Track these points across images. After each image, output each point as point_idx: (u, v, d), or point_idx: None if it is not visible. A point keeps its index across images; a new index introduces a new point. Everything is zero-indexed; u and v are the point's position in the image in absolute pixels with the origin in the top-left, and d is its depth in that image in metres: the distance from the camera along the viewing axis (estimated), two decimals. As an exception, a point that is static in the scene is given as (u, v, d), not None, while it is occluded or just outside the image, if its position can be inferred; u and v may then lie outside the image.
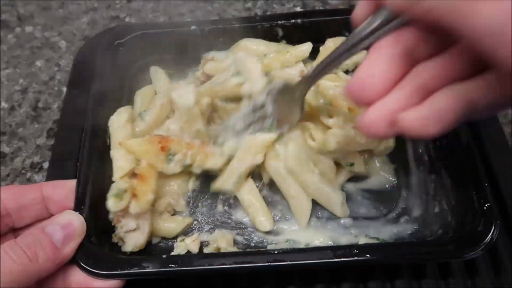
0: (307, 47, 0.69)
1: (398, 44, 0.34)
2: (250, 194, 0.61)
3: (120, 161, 0.60)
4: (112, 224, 0.57)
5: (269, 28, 0.72)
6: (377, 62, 0.34)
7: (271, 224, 0.59)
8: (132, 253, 0.57)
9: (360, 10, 0.37)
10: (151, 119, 0.65)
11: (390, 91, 0.34)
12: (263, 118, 0.58)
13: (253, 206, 0.60)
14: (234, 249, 0.58)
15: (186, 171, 0.62)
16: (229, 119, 0.61)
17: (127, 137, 0.61)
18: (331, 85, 0.65)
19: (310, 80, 0.51)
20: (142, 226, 0.57)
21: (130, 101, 0.70)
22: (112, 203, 0.54)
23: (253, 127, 0.59)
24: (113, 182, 0.58)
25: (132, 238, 0.56)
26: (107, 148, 0.62)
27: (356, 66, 0.73)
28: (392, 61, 0.34)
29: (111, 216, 0.57)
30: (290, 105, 0.56)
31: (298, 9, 0.89)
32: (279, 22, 0.71)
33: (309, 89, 0.54)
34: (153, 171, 0.58)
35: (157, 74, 0.73)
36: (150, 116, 0.65)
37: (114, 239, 0.57)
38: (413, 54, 0.35)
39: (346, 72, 0.73)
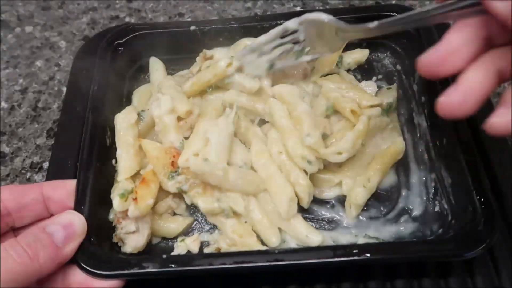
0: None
1: (484, 28, 0.35)
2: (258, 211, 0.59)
3: (127, 162, 0.60)
4: (113, 224, 0.57)
5: (269, 28, 0.71)
6: (460, 41, 0.36)
7: (279, 239, 0.58)
8: (132, 253, 0.57)
9: None
10: (150, 119, 0.65)
11: (465, 69, 0.36)
12: (294, 43, 0.58)
13: (261, 223, 0.58)
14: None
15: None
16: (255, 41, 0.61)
17: (135, 137, 0.61)
18: (334, 87, 0.65)
19: (365, 30, 0.50)
20: (142, 229, 0.57)
21: (130, 101, 0.70)
22: (117, 203, 0.55)
23: (281, 50, 0.59)
24: (115, 182, 0.58)
25: (132, 240, 0.56)
26: (107, 148, 0.62)
27: (357, 65, 0.74)
28: (475, 42, 0.36)
29: (111, 216, 0.57)
30: (327, 40, 0.56)
31: (298, 9, 0.89)
32: (279, 22, 0.71)
33: (357, 37, 0.54)
34: (156, 177, 0.58)
35: (155, 65, 0.73)
36: (149, 116, 0.65)
37: (115, 239, 0.57)
38: (493, 40, 0.36)
39: (348, 70, 0.73)
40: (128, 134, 0.61)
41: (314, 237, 0.56)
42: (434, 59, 0.36)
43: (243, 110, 0.64)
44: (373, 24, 0.46)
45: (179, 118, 0.62)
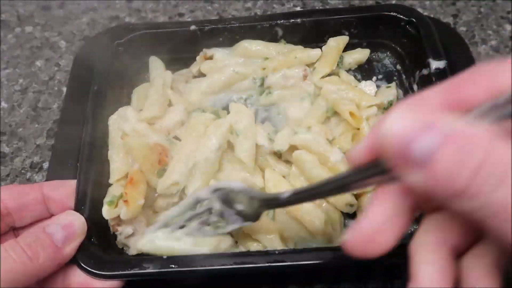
0: (315, 52, 0.69)
1: (408, 196, 0.30)
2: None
3: (118, 163, 0.59)
4: (112, 232, 0.57)
5: (269, 28, 0.72)
6: (383, 217, 0.30)
7: None
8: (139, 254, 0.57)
9: (357, 153, 0.32)
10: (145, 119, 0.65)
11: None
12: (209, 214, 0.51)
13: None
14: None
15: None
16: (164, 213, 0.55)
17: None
18: (334, 89, 0.65)
19: (279, 203, 0.43)
20: (140, 230, 0.57)
21: (130, 101, 0.70)
22: (106, 211, 0.54)
23: (197, 221, 0.52)
24: (110, 184, 0.58)
25: (134, 243, 0.56)
26: (107, 148, 0.62)
27: (358, 65, 0.73)
28: (401, 215, 0.31)
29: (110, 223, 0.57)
30: (245, 209, 0.48)
31: (298, 9, 0.88)
32: (278, 21, 0.71)
33: (274, 209, 0.49)
34: (143, 176, 0.57)
35: (155, 64, 0.73)
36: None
37: (119, 245, 0.57)
38: (421, 206, 0.32)
39: (348, 70, 0.73)
40: (119, 135, 0.61)
41: None
42: (359, 241, 0.31)
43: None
44: (284, 194, 0.40)
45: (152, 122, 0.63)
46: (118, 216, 0.55)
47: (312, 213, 0.55)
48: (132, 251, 0.56)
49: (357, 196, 0.58)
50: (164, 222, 0.54)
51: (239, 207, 0.47)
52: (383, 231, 0.30)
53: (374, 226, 0.30)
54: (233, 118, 0.62)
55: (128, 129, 0.60)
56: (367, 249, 0.31)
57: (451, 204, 0.25)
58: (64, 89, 0.78)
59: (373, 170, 0.30)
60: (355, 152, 0.32)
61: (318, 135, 0.60)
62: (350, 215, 0.59)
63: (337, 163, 0.58)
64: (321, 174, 0.57)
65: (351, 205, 0.57)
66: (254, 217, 0.47)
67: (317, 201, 0.58)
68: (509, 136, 0.25)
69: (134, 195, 0.55)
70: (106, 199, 0.55)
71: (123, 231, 0.56)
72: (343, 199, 0.57)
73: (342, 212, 0.59)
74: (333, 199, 0.57)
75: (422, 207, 0.32)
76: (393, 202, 0.30)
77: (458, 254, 0.32)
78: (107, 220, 0.57)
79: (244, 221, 0.49)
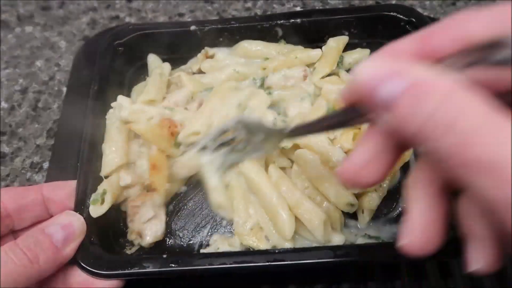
0: (316, 53, 0.69)
1: (390, 135, 0.31)
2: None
3: (110, 156, 0.59)
4: (129, 220, 0.57)
5: (269, 28, 0.72)
6: (370, 154, 0.32)
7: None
8: (132, 253, 0.57)
9: (343, 96, 0.34)
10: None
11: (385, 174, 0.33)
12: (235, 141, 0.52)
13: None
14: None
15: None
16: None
17: (119, 131, 0.62)
18: (335, 88, 0.65)
19: (284, 135, 0.46)
20: (159, 214, 0.58)
21: (130, 101, 0.71)
22: (92, 209, 0.54)
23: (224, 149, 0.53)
24: (103, 178, 0.59)
25: (152, 229, 0.56)
26: (107, 148, 0.62)
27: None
28: (386, 152, 0.32)
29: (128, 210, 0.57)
30: (263, 141, 0.50)
31: (298, 8, 0.89)
32: (278, 21, 0.71)
33: (279, 142, 0.49)
34: (163, 158, 0.59)
35: (155, 62, 0.73)
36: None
37: (132, 236, 0.57)
38: (406, 145, 0.33)
39: (348, 70, 0.73)
40: (113, 129, 0.61)
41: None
42: (349, 173, 0.33)
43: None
44: (287, 129, 0.44)
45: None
46: (137, 201, 0.56)
47: (312, 212, 0.55)
48: (148, 240, 0.56)
49: (357, 196, 0.58)
50: (202, 145, 0.54)
51: (259, 137, 0.50)
52: (371, 163, 0.32)
53: (363, 158, 0.32)
54: (251, 93, 0.64)
55: (125, 114, 0.61)
56: (357, 178, 0.33)
57: (414, 145, 0.27)
58: (64, 89, 0.78)
59: (354, 113, 0.33)
60: (342, 95, 0.34)
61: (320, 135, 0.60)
62: (350, 215, 0.59)
63: (338, 163, 0.58)
64: (322, 173, 0.57)
65: (352, 205, 0.57)
66: (271, 148, 0.50)
67: (318, 200, 0.58)
68: (476, 85, 0.25)
69: (159, 180, 0.57)
70: (91, 198, 0.55)
71: (143, 214, 0.56)
72: (344, 199, 0.57)
73: (342, 212, 0.59)
74: (334, 199, 0.57)
75: (408, 146, 0.34)
76: (379, 140, 0.32)
77: (455, 191, 0.33)
78: (107, 220, 0.57)
79: (265, 150, 0.51)
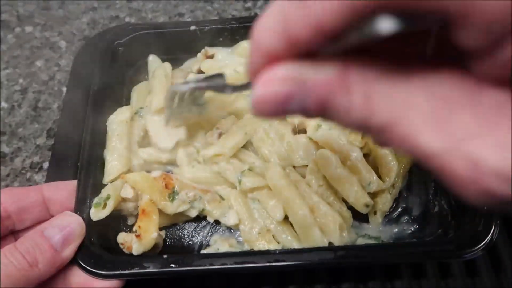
0: None
1: None
2: None
3: (112, 163, 0.59)
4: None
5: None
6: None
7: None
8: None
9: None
10: (149, 115, 0.65)
11: None
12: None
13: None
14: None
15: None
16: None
17: (123, 136, 0.62)
18: None
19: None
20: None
21: (130, 101, 0.70)
22: (93, 212, 0.54)
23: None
24: (105, 185, 0.58)
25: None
26: (107, 148, 0.62)
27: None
28: None
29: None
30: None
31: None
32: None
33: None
34: (155, 205, 0.57)
35: (155, 63, 0.73)
36: (148, 113, 0.65)
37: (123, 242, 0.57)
38: None
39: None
40: (114, 135, 0.61)
41: None
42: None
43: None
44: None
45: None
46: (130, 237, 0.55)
47: (329, 216, 0.55)
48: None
49: (372, 197, 0.59)
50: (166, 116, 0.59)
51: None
52: None
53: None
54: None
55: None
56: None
57: None
58: (64, 89, 0.78)
59: None
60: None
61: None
62: (355, 216, 0.59)
63: (356, 161, 0.58)
64: (342, 174, 0.57)
65: (367, 206, 0.57)
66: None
67: (331, 200, 0.58)
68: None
69: (147, 227, 0.55)
70: (94, 201, 0.55)
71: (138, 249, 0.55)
72: (362, 200, 0.57)
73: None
74: (353, 200, 0.57)
75: None
76: None
77: None
78: (107, 220, 0.57)
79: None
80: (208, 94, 0.61)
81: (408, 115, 0.23)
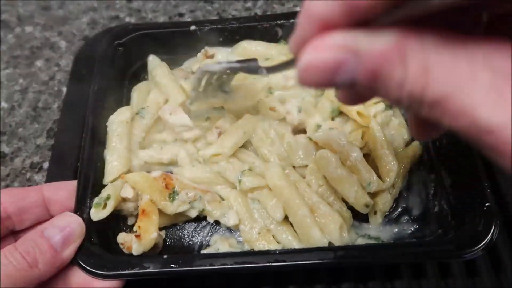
0: None
1: None
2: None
3: (112, 164, 0.59)
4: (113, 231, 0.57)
5: (269, 28, 0.72)
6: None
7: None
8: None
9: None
10: (151, 115, 0.65)
11: None
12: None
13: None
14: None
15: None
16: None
17: (124, 137, 0.61)
18: None
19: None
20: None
21: (130, 101, 0.70)
22: (93, 213, 0.54)
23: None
24: (105, 185, 0.58)
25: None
26: (107, 148, 0.62)
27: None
28: None
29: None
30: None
31: (298, 8, 0.88)
32: (278, 21, 0.71)
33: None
34: (155, 205, 0.57)
35: (155, 62, 0.73)
36: (149, 113, 0.65)
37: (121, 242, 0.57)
38: None
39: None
40: (114, 136, 0.61)
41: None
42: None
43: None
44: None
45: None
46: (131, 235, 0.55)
47: (329, 216, 0.55)
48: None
49: (372, 197, 0.59)
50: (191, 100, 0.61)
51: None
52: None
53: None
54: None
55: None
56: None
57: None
58: (64, 89, 0.78)
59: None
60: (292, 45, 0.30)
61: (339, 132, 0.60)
62: (355, 216, 0.59)
63: (356, 161, 0.58)
64: (342, 174, 0.57)
65: (367, 206, 0.58)
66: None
67: (331, 200, 0.58)
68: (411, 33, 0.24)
69: (147, 227, 0.55)
70: (94, 201, 0.55)
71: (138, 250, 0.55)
72: (363, 200, 0.57)
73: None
74: (353, 200, 0.57)
75: None
76: None
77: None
78: (107, 220, 0.57)
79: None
80: (235, 82, 0.61)
81: (468, 87, 0.22)
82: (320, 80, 0.25)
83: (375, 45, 0.24)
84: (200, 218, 0.61)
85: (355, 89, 0.26)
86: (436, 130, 0.33)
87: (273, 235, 0.58)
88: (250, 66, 0.45)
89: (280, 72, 0.39)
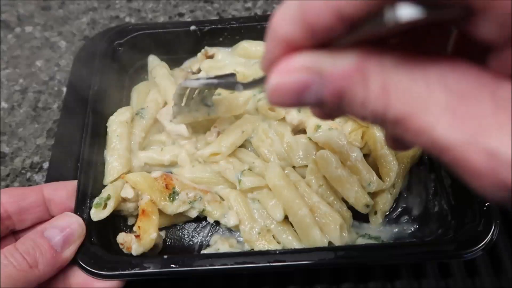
0: None
1: None
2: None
3: (112, 164, 0.59)
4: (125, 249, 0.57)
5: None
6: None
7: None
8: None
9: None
10: (151, 116, 0.65)
11: None
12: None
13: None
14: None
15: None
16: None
17: (123, 137, 0.61)
18: None
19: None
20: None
21: (129, 101, 0.70)
22: (93, 213, 0.54)
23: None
24: (105, 185, 0.58)
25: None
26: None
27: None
28: None
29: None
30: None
31: (298, 9, 0.88)
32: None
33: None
34: (155, 206, 0.57)
35: (154, 63, 0.73)
36: (149, 113, 0.65)
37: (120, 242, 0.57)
38: None
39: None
40: (114, 136, 0.61)
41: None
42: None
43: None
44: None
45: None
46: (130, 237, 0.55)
47: (329, 216, 0.55)
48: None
49: (373, 197, 0.59)
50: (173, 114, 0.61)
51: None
52: None
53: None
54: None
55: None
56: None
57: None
58: (64, 89, 0.78)
59: None
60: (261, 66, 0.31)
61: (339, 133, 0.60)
62: (355, 216, 0.59)
63: (356, 162, 0.58)
64: (342, 174, 0.57)
65: (368, 206, 0.58)
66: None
67: (331, 200, 0.58)
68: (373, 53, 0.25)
69: (146, 227, 0.54)
70: (94, 201, 0.55)
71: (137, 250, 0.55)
72: (363, 201, 0.57)
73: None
74: (353, 200, 0.57)
75: None
76: None
77: None
78: (108, 220, 0.57)
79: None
80: (217, 96, 0.62)
81: (425, 107, 0.23)
82: (289, 101, 0.27)
83: (338, 66, 0.25)
84: (200, 218, 0.61)
85: (324, 108, 0.27)
86: (406, 144, 0.34)
87: (273, 235, 0.58)
88: (227, 82, 0.46)
89: (255, 88, 0.39)
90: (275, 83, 0.26)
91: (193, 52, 0.73)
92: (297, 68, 0.26)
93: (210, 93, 0.59)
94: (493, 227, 0.50)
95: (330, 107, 0.26)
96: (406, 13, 0.21)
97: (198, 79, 0.54)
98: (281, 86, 0.26)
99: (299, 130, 0.65)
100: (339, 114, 0.34)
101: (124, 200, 0.58)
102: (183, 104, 0.58)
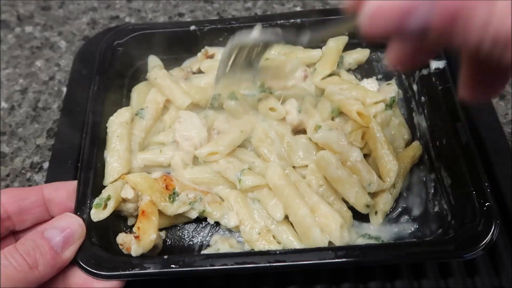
0: (316, 53, 0.70)
1: None
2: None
3: (112, 165, 0.59)
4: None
5: (269, 28, 0.72)
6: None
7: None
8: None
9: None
10: (150, 116, 0.65)
11: None
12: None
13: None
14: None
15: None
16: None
17: (124, 138, 0.62)
18: (337, 89, 0.65)
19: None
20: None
21: (129, 101, 0.70)
22: (93, 213, 0.54)
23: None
24: (105, 186, 0.58)
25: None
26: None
27: (358, 65, 0.74)
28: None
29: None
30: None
31: (298, 8, 0.88)
32: (278, 21, 0.71)
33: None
34: (155, 207, 0.57)
35: (154, 63, 0.73)
36: (148, 113, 0.65)
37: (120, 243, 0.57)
38: None
39: (348, 70, 0.73)
40: (114, 137, 0.61)
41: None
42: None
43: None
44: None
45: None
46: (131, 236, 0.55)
47: (329, 216, 0.55)
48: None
49: (373, 197, 0.59)
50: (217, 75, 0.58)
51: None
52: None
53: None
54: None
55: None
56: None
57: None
58: (64, 89, 0.78)
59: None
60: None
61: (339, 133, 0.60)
62: (355, 216, 0.59)
63: (356, 162, 0.58)
64: (343, 175, 0.57)
65: (368, 206, 0.58)
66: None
67: (331, 200, 0.58)
68: None
69: (146, 228, 0.54)
70: (94, 202, 0.55)
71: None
72: (363, 201, 0.57)
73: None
74: (353, 200, 0.57)
75: None
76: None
77: None
78: (108, 220, 0.57)
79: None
80: (264, 61, 0.59)
81: None
82: (389, 26, 0.24)
83: None
84: (200, 218, 0.61)
85: (424, 38, 0.24)
86: (495, 86, 0.30)
87: (273, 235, 0.58)
88: (287, 36, 0.43)
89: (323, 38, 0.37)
90: (375, 6, 0.24)
91: (193, 52, 0.73)
92: None
93: (257, 57, 0.55)
94: (493, 227, 0.50)
95: (437, 35, 0.23)
96: None
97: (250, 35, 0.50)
98: (384, 8, 0.23)
99: (299, 130, 0.65)
100: (430, 56, 0.30)
101: (124, 200, 0.58)
102: (230, 62, 0.55)
